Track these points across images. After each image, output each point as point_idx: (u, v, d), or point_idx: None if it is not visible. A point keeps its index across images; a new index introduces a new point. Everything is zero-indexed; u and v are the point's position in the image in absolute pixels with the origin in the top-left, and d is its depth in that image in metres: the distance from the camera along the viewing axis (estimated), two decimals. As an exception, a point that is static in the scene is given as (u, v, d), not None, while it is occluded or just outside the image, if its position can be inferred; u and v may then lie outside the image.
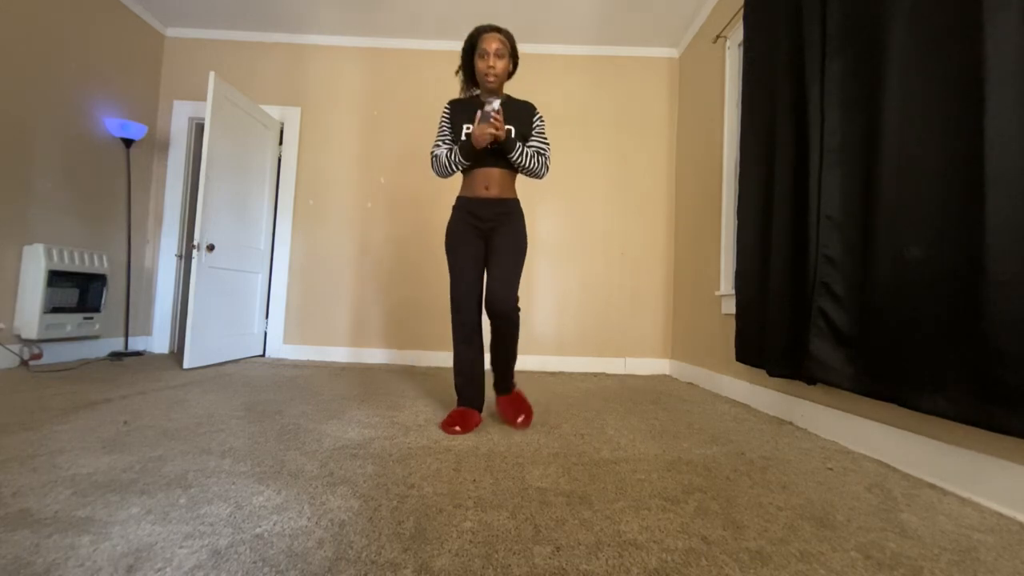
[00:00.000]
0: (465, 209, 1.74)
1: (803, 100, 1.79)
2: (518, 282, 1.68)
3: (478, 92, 1.81)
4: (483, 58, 1.68)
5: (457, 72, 1.83)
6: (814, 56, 1.74)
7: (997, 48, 1.14)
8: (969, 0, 1.20)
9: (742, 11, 2.41)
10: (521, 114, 1.77)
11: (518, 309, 1.68)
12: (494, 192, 1.72)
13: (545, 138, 1.79)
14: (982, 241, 1.14)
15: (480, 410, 1.76)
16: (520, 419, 1.72)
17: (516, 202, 1.78)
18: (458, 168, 1.71)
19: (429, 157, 1.68)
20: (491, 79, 1.70)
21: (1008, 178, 1.11)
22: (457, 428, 1.61)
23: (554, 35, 3.47)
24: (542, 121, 1.80)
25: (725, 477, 1.29)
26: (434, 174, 1.88)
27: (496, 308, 1.64)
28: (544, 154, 1.75)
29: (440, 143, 1.77)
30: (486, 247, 1.74)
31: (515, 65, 1.79)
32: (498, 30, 1.71)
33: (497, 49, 1.68)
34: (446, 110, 1.80)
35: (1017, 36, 1.12)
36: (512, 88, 3.70)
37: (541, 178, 1.76)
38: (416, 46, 3.61)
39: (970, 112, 1.19)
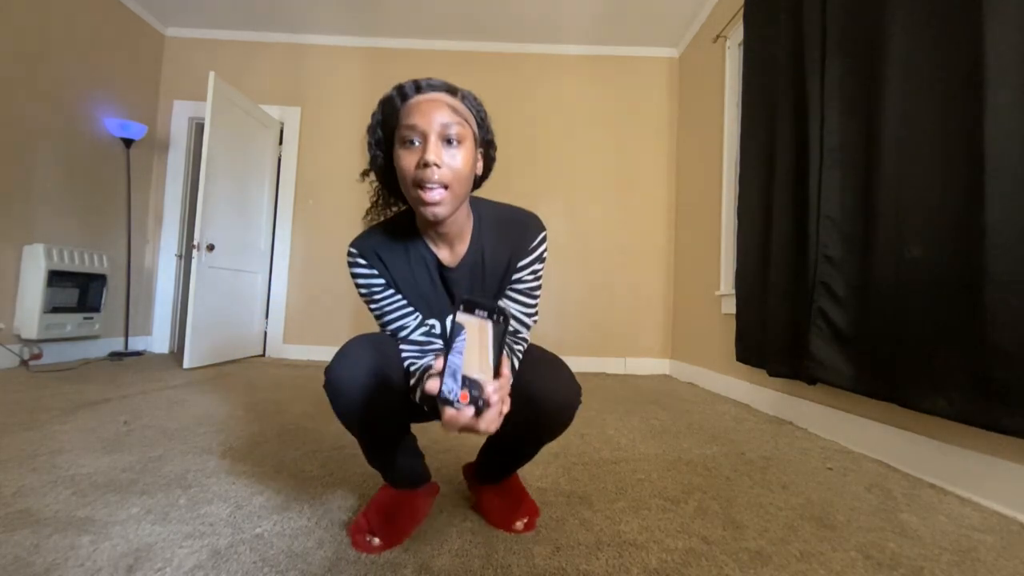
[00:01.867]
0: None
1: (803, 100, 1.79)
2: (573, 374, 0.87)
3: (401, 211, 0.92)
4: (409, 148, 0.74)
5: (365, 175, 0.91)
6: (814, 56, 1.74)
7: (997, 48, 1.14)
8: (969, 0, 1.20)
9: (742, 11, 2.41)
10: (497, 257, 0.88)
11: (579, 405, 0.86)
12: None
13: (536, 289, 0.92)
14: (982, 241, 1.14)
15: (427, 480, 1.00)
16: (521, 523, 0.94)
17: None
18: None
19: None
20: (434, 210, 0.75)
21: (1008, 178, 1.11)
22: (377, 541, 0.85)
23: (554, 35, 3.47)
24: (542, 261, 0.91)
25: (725, 477, 1.29)
26: None
27: (558, 408, 0.82)
28: (526, 326, 0.91)
29: (390, 328, 0.88)
30: None
31: (490, 158, 0.88)
32: (449, 89, 0.79)
33: (445, 124, 0.74)
34: (360, 270, 0.86)
35: (1017, 36, 1.11)
36: (504, 96, 3.78)
37: None
38: (416, 46, 3.61)
39: (970, 112, 1.19)
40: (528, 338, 0.92)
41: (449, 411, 0.58)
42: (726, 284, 2.69)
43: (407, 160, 0.74)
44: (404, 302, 0.88)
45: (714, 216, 2.87)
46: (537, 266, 0.90)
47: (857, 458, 1.50)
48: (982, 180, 1.14)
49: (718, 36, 2.84)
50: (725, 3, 2.82)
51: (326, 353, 3.47)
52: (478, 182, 0.89)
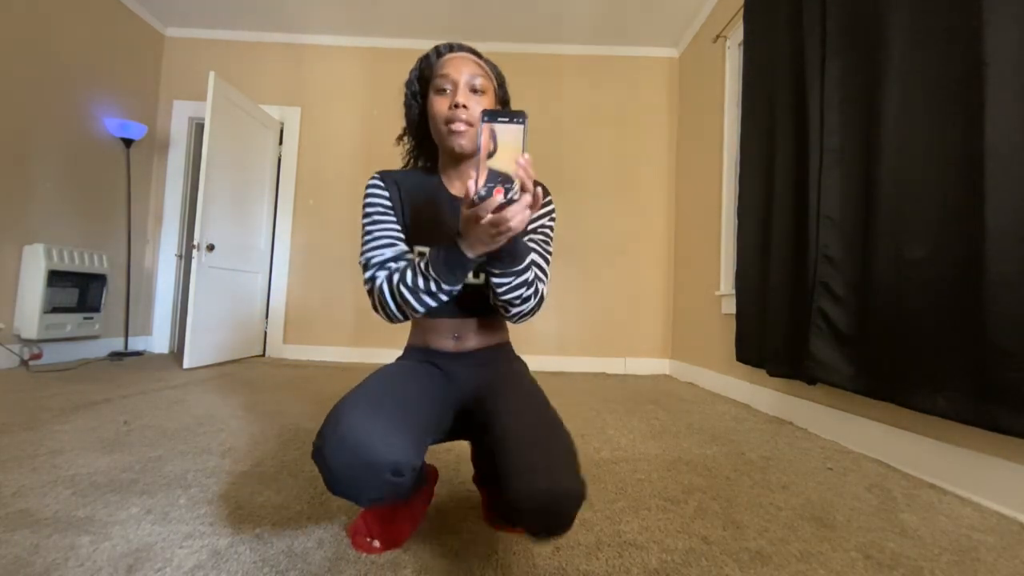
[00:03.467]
0: (426, 359, 0.95)
1: (803, 100, 1.79)
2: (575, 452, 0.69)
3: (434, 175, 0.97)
4: (442, 94, 0.87)
5: (400, 140, 1.01)
6: (814, 56, 1.74)
7: (997, 48, 1.14)
8: (969, 0, 1.20)
9: (742, 11, 2.41)
10: None
11: (582, 500, 0.64)
12: (473, 343, 0.95)
13: (547, 249, 0.94)
14: (982, 241, 1.14)
15: (422, 487, 0.93)
16: None
17: (508, 348, 1.01)
18: (440, 300, 0.82)
19: (365, 270, 0.88)
20: (459, 140, 0.86)
21: (1008, 178, 1.11)
22: (377, 544, 0.84)
23: (554, 35, 3.47)
24: (552, 219, 0.97)
25: (725, 477, 1.29)
26: (379, 315, 0.96)
27: (541, 508, 0.62)
28: (543, 274, 0.90)
29: (376, 250, 0.88)
30: (462, 413, 0.89)
31: None
32: (475, 52, 0.93)
33: (472, 76, 0.87)
34: (376, 189, 0.93)
35: (1017, 36, 1.12)
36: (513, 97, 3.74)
37: (525, 319, 0.88)
38: (416, 46, 3.61)
39: (970, 112, 1.19)
40: (546, 276, 0.92)
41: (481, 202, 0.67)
42: (726, 284, 2.69)
43: (440, 104, 0.88)
44: (398, 232, 0.91)
45: (714, 216, 2.87)
46: (546, 222, 0.96)
47: (857, 458, 1.50)
48: (982, 180, 1.15)
49: (718, 36, 2.84)
50: (725, 3, 2.82)
51: (326, 353, 3.47)
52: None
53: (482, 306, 0.91)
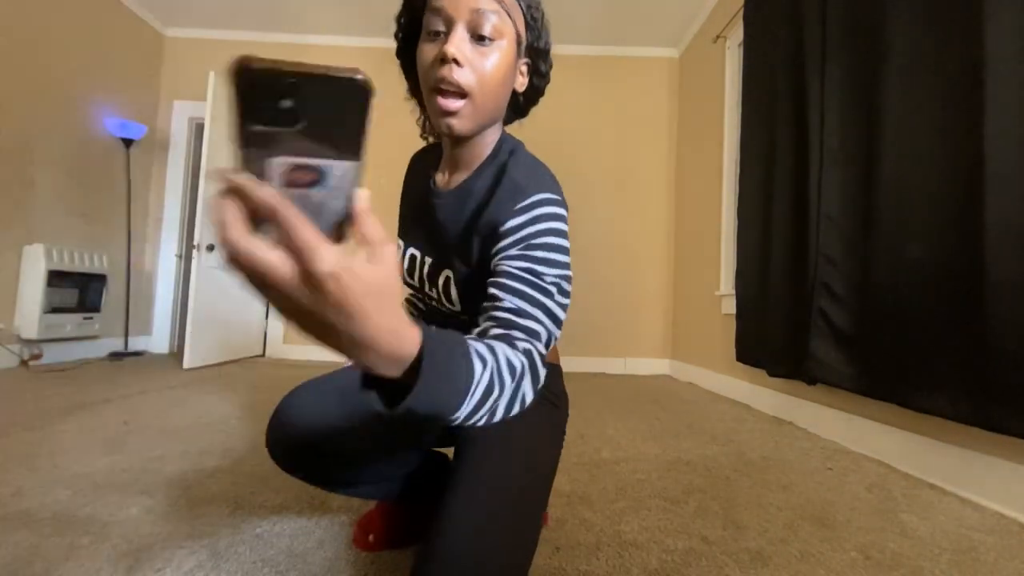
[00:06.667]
0: None
1: (803, 100, 1.79)
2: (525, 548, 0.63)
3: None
4: (432, 40, 0.58)
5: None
6: (814, 56, 1.74)
7: (998, 48, 1.14)
8: (970, 0, 1.20)
9: (742, 11, 2.41)
10: (481, 207, 0.63)
11: None
12: None
13: (551, 258, 0.55)
14: (982, 240, 1.14)
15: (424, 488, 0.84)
16: None
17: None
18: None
19: None
20: (450, 120, 0.58)
21: (1008, 178, 1.11)
22: (371, 538, 0.83)
23: (554, 35, 3.45)
24: (547, 220, 0.57)
25: (725, 477, 1.29)
26: None
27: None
28: (546, 323, 0.52)
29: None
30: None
31: (540, 74, 0.71)
32: None
33: (476, 13, 0.55)
34: (407, 172, 0.84)
35: (1017, 36, 1.11)
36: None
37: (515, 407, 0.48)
38: (416, 46, 3.61)
39: (970, 112, 1.19)
40: (543, 330, 0.51)
41: None
42: (726, 284, 2.69)
43: (426, 54, 0.58)
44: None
45: (714, 216, 2.87)
46: (540, 229, 0.56)
47: (857, 458, 1.50)
48: (982, 180, 1.14)
49: (718, 36, 2.84)
50: (725, 3, 2.82)
51: (326, 353, 3.46)
52: (521, 107, 0.72)
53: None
